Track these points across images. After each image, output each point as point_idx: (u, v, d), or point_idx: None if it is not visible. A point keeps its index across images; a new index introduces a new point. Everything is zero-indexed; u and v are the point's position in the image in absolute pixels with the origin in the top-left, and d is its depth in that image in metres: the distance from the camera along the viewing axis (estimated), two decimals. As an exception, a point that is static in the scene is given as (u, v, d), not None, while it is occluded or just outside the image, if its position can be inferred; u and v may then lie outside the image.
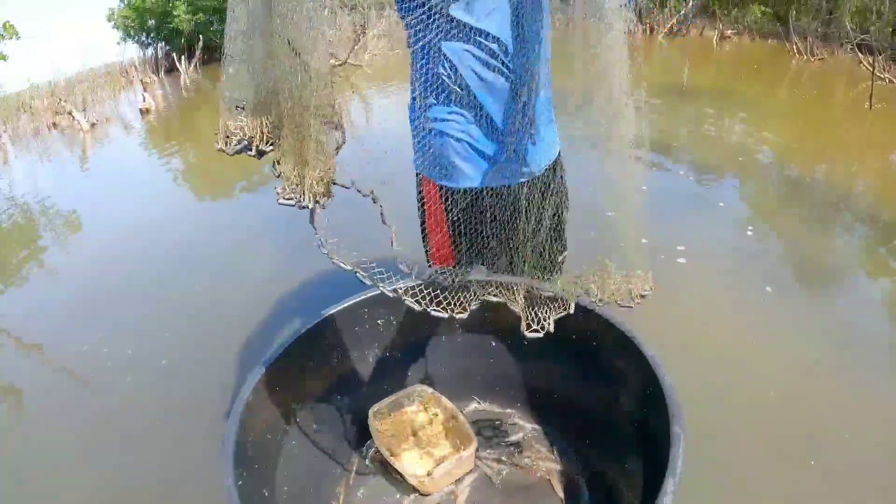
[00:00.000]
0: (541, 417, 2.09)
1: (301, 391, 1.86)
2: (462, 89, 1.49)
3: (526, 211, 1.63)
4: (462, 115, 1.54)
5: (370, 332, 1.95)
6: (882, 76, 10.78)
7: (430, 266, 1.84)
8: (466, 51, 1.46)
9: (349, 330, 1.93)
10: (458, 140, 1.57)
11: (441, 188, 1.69)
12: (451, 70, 1.46)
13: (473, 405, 2.16)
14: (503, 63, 1.49)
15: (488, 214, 1.67)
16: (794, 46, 11.52)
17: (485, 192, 1.65)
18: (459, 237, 1.71)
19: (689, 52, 10.79)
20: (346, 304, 1.89)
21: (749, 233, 3.81)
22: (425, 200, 1.77)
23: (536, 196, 1.65)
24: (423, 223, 1.88)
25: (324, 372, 1.93)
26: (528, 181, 1.68)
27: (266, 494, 1.56)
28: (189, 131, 7.97)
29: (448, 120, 1.54)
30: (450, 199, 1.67)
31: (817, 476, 2.03)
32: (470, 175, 1.63)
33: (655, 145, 5.45)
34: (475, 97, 1.51)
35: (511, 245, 1.66)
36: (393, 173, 2.87)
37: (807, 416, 2.35)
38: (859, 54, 10.40)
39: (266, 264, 3.66)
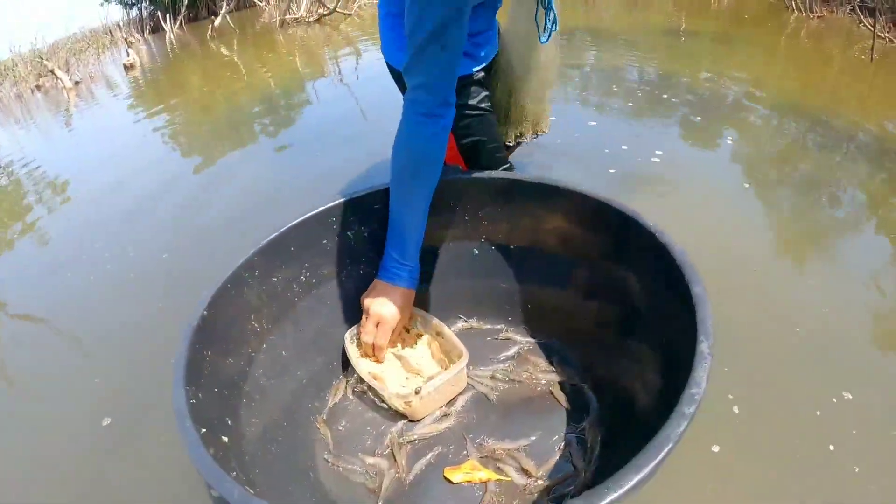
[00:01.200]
0: (535, 330, 1.94)
1: (268, 312, 1.69)
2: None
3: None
4: None
5: (341, 245, 1.77)
6: (882, 35, 10.71)
7: None
8: None
9: (317, 243, 1.76)
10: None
11: None
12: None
13: (460, 323, 2.01)
14: None
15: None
16: (794, 3, 11.37)
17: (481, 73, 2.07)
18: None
19: (685, 3, 10.65)
20: (309, 214, 1.71)
21: (729, 141, 3.86)
22: None
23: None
24: None
25: (292, 291, 1.75)
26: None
27: (230, 424, 1.38)
28: (175, 87, 7.77)
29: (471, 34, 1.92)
30: None
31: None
32: (475, 59, 2.06)
33: (647, 80, 5.32)
34: (479, 15, 1.89)
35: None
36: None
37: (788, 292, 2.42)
38: (860, 14, 10.28)
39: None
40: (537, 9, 2.02)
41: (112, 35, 14.31)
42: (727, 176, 3.35)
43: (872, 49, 7.19)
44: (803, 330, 2.22)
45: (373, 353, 1.73)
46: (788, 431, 1.82)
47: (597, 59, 6.40)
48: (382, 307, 1.63)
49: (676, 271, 1.27)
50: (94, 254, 3.46)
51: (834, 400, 1.90)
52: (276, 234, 1.65)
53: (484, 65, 2.01)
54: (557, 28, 2.01)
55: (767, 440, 1.78)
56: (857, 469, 1.66)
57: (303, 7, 10.73)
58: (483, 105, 2.01)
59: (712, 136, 3.94)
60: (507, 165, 2.18)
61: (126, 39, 13.17)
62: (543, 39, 1.99)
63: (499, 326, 1.99)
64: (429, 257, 1.92)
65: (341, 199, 1.71)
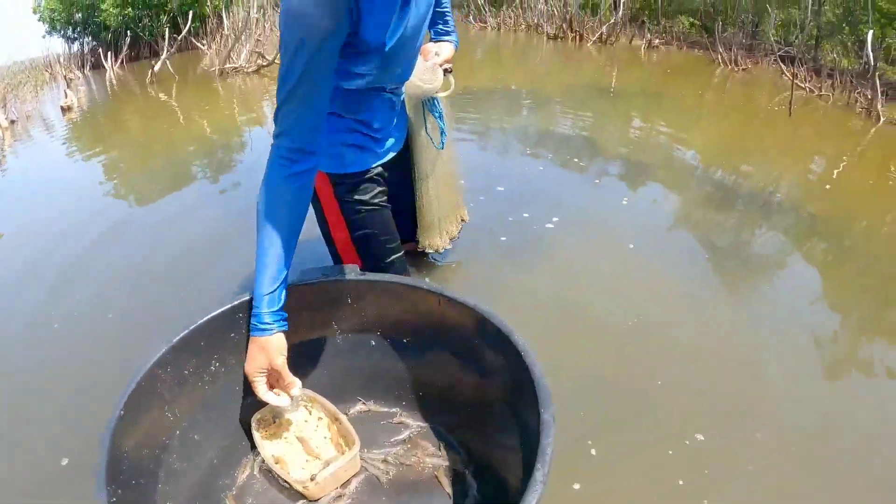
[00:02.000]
0: (426, 414, 2.08)
1: (180, 402, 1.80)
2: (370, 108, 1.95)
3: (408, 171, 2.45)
4: (364, 120, 1.99)
5: (246, 337, 1.90)
6: (803, 86, 11.35)
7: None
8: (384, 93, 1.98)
9: (225, 336, 1.89)
10: (364, 136, 2.03)
11: (333, 178, 2.09)
12: (366, 100, 1.94)
13: (358, 406, 2.14)
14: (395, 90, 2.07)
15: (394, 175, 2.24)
16: (720, 57, 11.90)
17: (379, 168, 2.16)
18: (361, 221, 2.17)
19: (617, 59, 10.99)
20: (217, 312, 1.85)
21: (624, 202, 4.08)
22: (322, 199, 2.15)
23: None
24: (329, 234, 2.24)
25: (203, 381, 1.87)
26: (400, 152, 2.28)
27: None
28: (112, 130, 7.72)
29: (357, 126, 1.99)
30: (341, 186, 2.10)
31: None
32: (373, 154, 2.11)
33: (575, 143, 5.53)
34: (378, 110, 2.01)
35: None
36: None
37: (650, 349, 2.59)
38: (782, 65, 10.83)
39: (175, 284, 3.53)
40: (425, 122, 2.22)
41: (52, 70, 14.11)
42: (612, 237, 3.53)
43: (790, 103, 7.66)
44: (665, 380, 2.41)
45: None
46: (642, 469, 2.01)
47: (523, 120, 6.58)
48: (244, 364, 1.77)
49: (532, 396, 1.43)
50: (27, 306, 3.38)
51: (687, 442, 2.08)
52: (186, 331, 1.76)
53: (383, 161, 2.14)
54: (446, 138, 2.22)
55: (623, 477, 1.95)
56: (706, 502, 1.85)
57: (242, 57, 10.81)
58: (376, 200, 2.14)
59: (612, 198, 4.12)
60: (399, 255, 2.31)
61: (65, 76, 13.03)
62: (439, 147, 2.18)
63: (393, 410, 2.13)
64: (331, 347, 2.06)
65: (246, 297, 1.84)
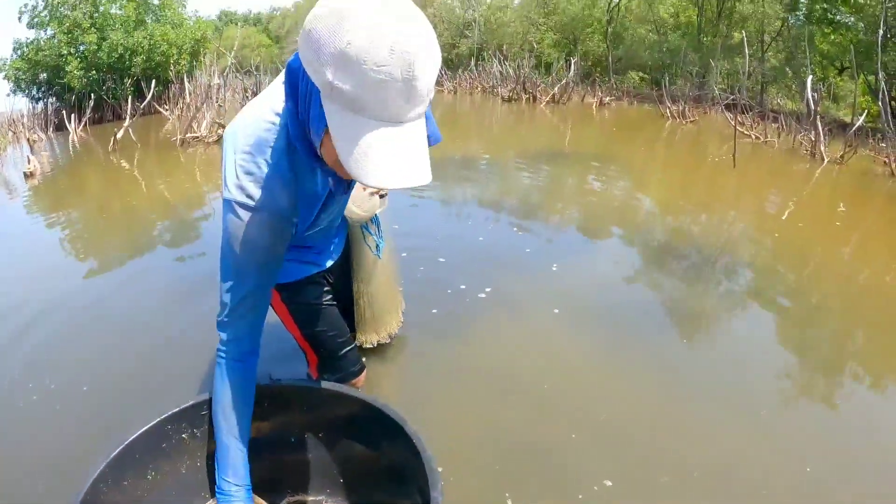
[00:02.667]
0: (348, 495, 2.12)
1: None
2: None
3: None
4: (301, 246, 1.99)
5: (177, 447, 1.92)
6: (749, 133, 11.74)
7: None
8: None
9: (157, 447, 1.90)
10: (304, 252, 2.03)
11: (280, 286, 2.05)
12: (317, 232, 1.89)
13: (286, 498, 2.16)
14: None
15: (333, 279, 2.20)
16: (668, 110, 12.28)
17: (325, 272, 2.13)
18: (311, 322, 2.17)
19: (570, 118, 11.25)
20: (148, 426, 1.86)
21: (554, 268, 4.04)
22: (276, 307, 2.15)
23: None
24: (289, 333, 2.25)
25: (141, 488, 1.88)
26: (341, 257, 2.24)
27: None
28: (74, 196, 7.64)
29: (295, 250, 1.98)
30: (284, 291, 2.06)
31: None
32: (314, 265, 2.08)
33: (522, 209, 5.59)
34: (315, 239, 2.02)
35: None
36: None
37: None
38: (728, 114, 11.19)
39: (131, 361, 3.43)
40: (364, 236, 2.29)
41: (15, 130, 14.01)
42: (539, 303, 3.55)
43: (734, 154, 7.86)
44: (579, 434, 2.44)
45: None
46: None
47: (475, 187, 6.53)
48: None
49: (424, 476, 1.50)
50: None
51: (595, 488, 2.12)
52: (122, 447, 1.78)
53: (322, 269, 2.18)
54: (384, 246, 2.30)
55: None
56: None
57: (203, 126, 10.91)
58: (321, 301, 2.18)
59: (544, 265, 4.14)
60: (350, 348, 2.34)
61: (28, 138, 12.95)
62: (377, 255, 2.25)
63: (319, 498, 2.15)
64: (258, 445, 2.08)
65: (175, 410, 1.86)
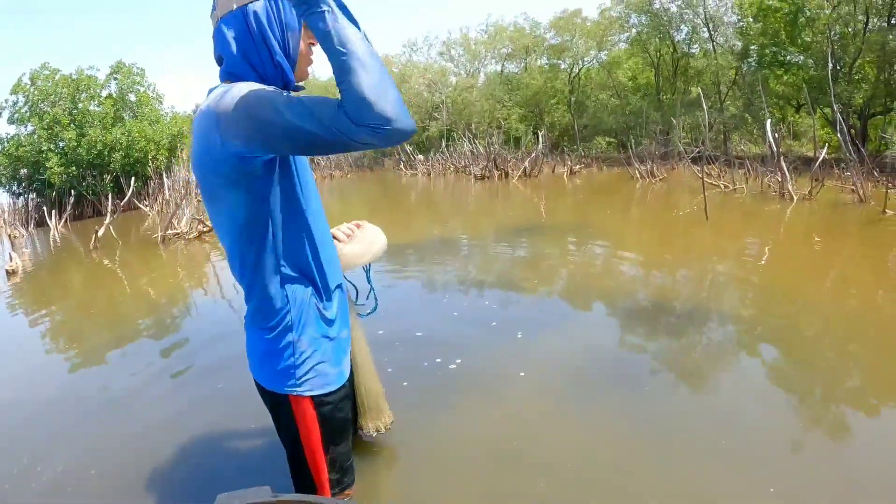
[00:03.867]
0: None
1: None
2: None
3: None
4: (329, 319, 1.72)
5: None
6: (717, 184, 11.95)
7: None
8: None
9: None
10: (332, 342, 1.74)
11: (318, 400, 1.74)
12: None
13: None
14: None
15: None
16: (637, 171, 12.49)
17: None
18: (337, 439, 1.83)
19: (543, 190, 11.44)
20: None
21: (519, 336, 4.09)
22: (305, 424, 1.78)
23: None
24: (302, 456, 1.83)
25: None
26: None
27: None
28: (57, 292, 7.57)
29: (327, 331, 1.71)
30: (327, 405, 1.75)
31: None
32: (342, 371, 1.79)
33: (496, 283, 5.62)
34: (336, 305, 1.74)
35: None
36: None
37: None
38: (695, 168, 11.40)
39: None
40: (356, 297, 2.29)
41: None
42: (506, 369, 3.58)
43: (706, 207, 7.98)
44: (548, 483, 2.51)
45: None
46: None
47: (452, 265, 6.46)
48: None
49: None
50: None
51: None
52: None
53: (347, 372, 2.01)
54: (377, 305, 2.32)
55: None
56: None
57: (183, 222, 10.92)
58: (350, 413, 2.03)
59: (510, 334, 4.19)
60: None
61: (10, 235, 12.90)
62: (373, 312, 2.30)
63: None
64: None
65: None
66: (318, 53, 1.40)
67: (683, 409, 3.03)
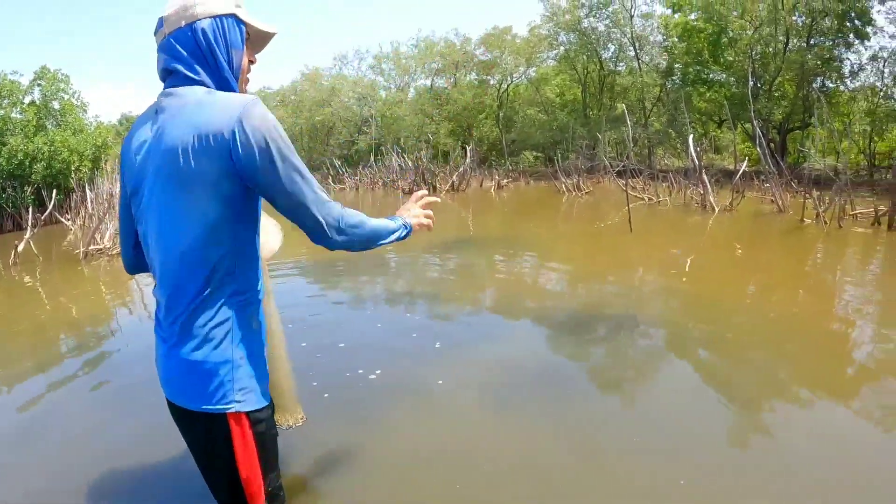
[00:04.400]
0: None
1: None
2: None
3: None
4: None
5: None
6: (641, 196, 12.06)
7: None
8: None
9: None
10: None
11: (253, 417, 1.64)
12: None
13: None
14: None
15: None
16: (564, 185, 12.56)
17: None
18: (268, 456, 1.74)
19: (471, 204, 11.39)
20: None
21: (437, 345, 4.14)
22: (244, 444, 1.65)
23: None
24: (237, 478, 1.67)
25: None
26: None
27: None
28: None
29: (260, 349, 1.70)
30: (262, 423, 1.66)
31: None
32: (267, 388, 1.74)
33: (420, 295, 5.55)
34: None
35: None
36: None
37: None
38: (619, 181, 11.53)
39: None
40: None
41: None
42: (423, 378, 3.60)
43: (630, 220, 7.99)
44: (462, 482, 2.46)
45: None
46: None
47: (378, 280, 6.42)
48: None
49: None
50: None
51: None
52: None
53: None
54: None
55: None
56: None
57: (107, 237, 10.41)
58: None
59: (427, 344, 4.14)
60: None
61: None
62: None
63: None
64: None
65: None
66: (255, 69, 1.66)
67: (603, 410, 3.06)
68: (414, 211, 1.82)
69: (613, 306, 4.77)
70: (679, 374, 3.50)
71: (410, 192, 16.53)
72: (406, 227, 1.75)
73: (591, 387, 3.42)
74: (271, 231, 2.21)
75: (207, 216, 1.45)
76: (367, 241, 1.64)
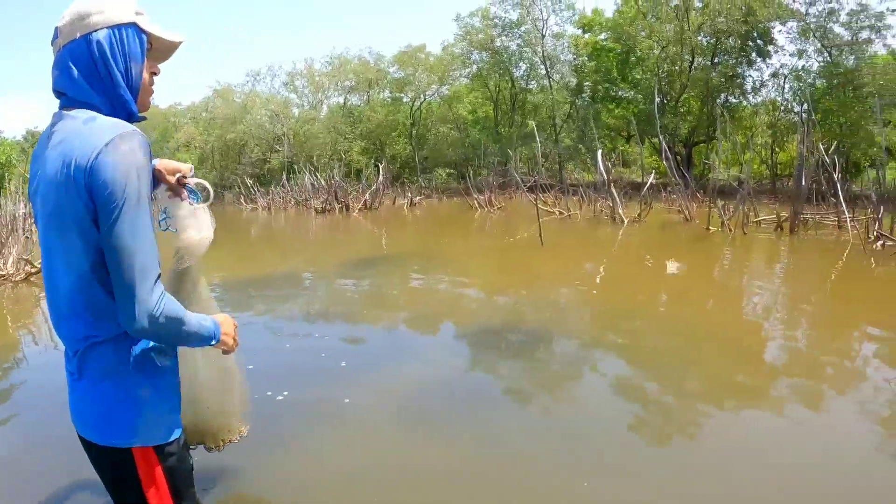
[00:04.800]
0: None
1: None
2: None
3: None
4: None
5: None
6: (552, 210, 12.24)
7: None
8: None
9: None
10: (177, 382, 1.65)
11: (162, 451, 1.57)
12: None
13: None
14: None
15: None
16: (476, 201, 12.60)
17: None
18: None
19: (384, 222, 11.27)
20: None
21: (343, 364, 4.15)
22: (152, 479, 1.58)
23: None
24: None
25: None
26: None
27: None
28: None
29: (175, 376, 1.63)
30: (173, 456, 1.59)
31: None
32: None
33: (328, 317, 5.44)
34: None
35: None
36: None
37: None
38: (531, 196, 11.64)
39: None
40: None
41: None
42: (329, 396, 3.61)
43: (540, 234, 8.01)
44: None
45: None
46: None
47: (292, 303, 6.30)
48: None
49: None
50: None
51: None
52: None
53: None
54: None
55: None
56: None
57: (9, 263, 9.73)
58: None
59: (335, 366, 4.08)
60: None
61: None
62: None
63: None
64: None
65: None
66: (159, 82, 1.51)
67: (507, 421, 3.08)
68: (226, 327, 1.63)
69: (527, 320, 4.78)
70: (594, 383, 3.53)
71: (324, 211, 16.52)
72: (215, 339, 1.57)
73: (493, 400, 3.41)
74: (204, 223, 2.01)
75: (82, 264, 1.36)
76: (177, 339, 1.49)
